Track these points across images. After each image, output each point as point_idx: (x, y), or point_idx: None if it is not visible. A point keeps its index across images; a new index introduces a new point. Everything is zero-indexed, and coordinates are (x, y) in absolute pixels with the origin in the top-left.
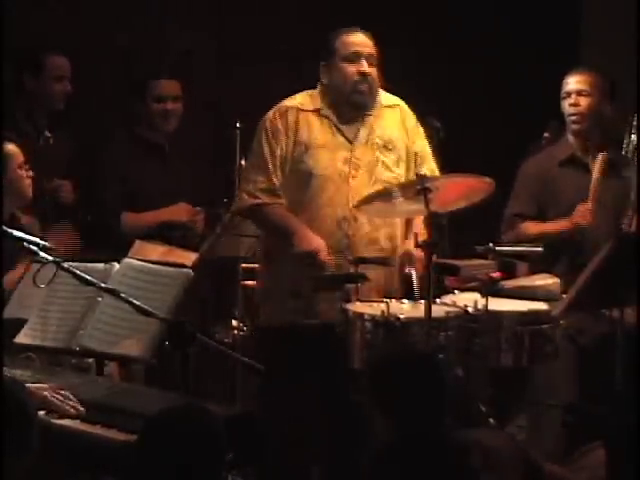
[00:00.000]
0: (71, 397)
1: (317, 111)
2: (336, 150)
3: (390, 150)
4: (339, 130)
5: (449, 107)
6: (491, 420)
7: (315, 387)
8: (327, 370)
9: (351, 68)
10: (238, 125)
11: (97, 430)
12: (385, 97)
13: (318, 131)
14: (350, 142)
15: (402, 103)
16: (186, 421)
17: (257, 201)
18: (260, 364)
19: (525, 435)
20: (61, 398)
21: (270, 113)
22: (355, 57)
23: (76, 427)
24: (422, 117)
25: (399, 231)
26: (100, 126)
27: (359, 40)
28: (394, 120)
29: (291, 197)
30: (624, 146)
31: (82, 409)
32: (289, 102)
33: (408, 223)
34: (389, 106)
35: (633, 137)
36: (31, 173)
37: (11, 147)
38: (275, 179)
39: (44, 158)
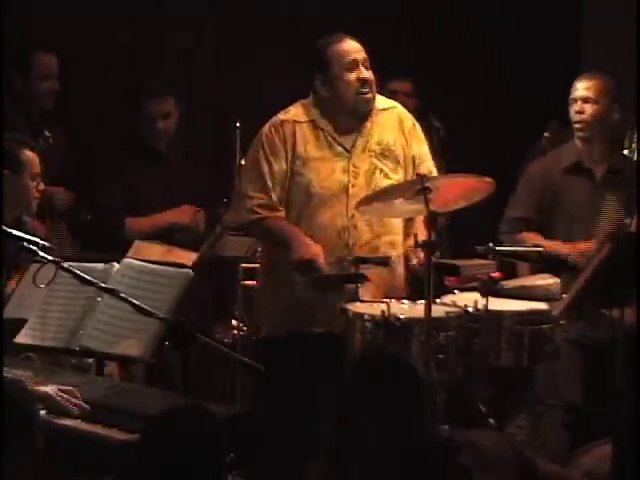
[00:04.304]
0: (77, 394)
1: (312, 122)
2: (334, 161)
3: (387, 157)
4: (335, 140)
5: (449, 107)
6: (491, 420)
7: (316, 394)
8: (328, 377)
9: (352, 76)
10: (238, 125)
11: (97, 430)
12: (380, 100)
13: (314, 143)
14: (348, 151)
15: (399, 105)
16: (186, 421)
17: (256, 216)
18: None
19: (525, 435)
20: (65, 396)
21: (266, 128)
22: (353, 65)
23: (76, 427)
24: (422, 116)
25: (400, 237)
26: (99, 127)
27: (352, 47)
28: (391, 123)
29: (292, 210)
30: (625, 146)
31: (86, 407)
32: (283, 116)
33: (408, 225)
34: (385, 109)
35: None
36: (42, 187)
37: (29, 154)
38: (274, 195)
39: (44, 159)
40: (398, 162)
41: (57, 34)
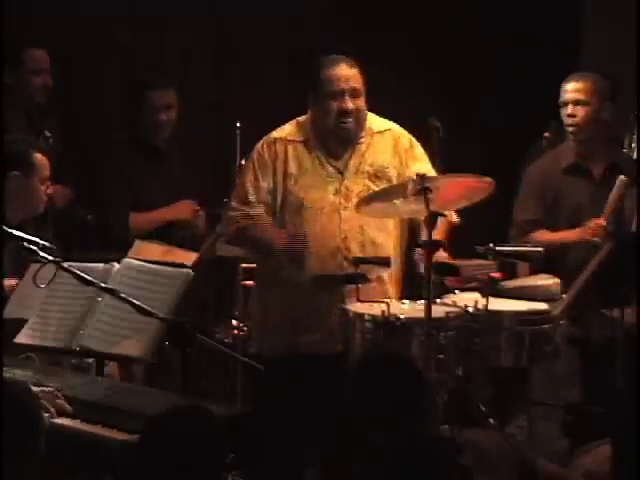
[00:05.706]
0: (60, 396)
1: (305, 142)
2: (326, 181)
3: (380, 178)
4: (328, 161)
5: (449, 107)
6: (491, 420)
7: (309, 411)
8: (321, 396)
9: (333, 105)
10: (238, 125)
11: (97, 430)
12: (376, 122)
13: (307, 162)
14: (340, 172)
15: (394, 126)
16: (186, 421)
17: (237, 225)
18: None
19: (525, 435)
20: (45, 398)
21: (259, 145)
22: (338, 94)
23: (76, 427)
24: (422, 117)
25: (392, 258)
26: (100, 127)
27: (342, 74)
28: (386, 146)
29: (288, 228)
30: (625, 146)
31: (53, 411)
32: (277, 133)
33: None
34: (380, 132)
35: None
36: (50, 191)
37: (40, 158)
38: (257, 210)
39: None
40: (391, 183)
41: (57, 34)
